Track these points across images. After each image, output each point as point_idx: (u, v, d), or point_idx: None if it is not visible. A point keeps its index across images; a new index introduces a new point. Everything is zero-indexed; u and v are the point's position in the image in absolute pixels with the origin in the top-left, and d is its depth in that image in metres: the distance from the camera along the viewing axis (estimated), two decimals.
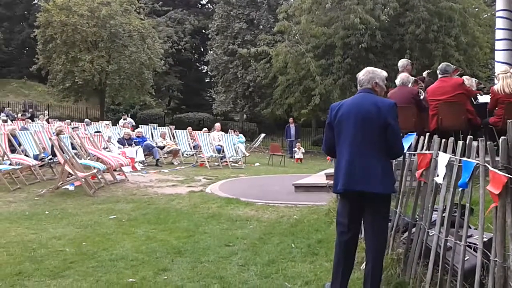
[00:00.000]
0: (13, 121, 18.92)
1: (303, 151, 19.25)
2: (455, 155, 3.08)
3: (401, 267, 3.65)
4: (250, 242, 5.01)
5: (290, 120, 22.68)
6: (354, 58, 22.25)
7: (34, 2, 43.34)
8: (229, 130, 19.86)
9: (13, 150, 10.53)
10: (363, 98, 3.38)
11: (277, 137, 29.78)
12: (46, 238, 5.23)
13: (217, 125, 16.76)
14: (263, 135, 23.54)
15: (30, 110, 27.73)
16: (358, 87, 3.49)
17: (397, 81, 6.76)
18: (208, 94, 41.14)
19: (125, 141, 13.61)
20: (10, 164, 9.46)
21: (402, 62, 7.54)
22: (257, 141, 23.02)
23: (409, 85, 6.78)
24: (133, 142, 13.94)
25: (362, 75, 3.47)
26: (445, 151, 3.28)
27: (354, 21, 20.34)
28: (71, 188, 8.52)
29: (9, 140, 10.68)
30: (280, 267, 4.17)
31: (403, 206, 3.96)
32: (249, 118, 34.93)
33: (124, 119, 22.81)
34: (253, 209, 6.88)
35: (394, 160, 3.64)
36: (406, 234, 3.84)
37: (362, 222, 3.46)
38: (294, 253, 4.58)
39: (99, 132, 13.88)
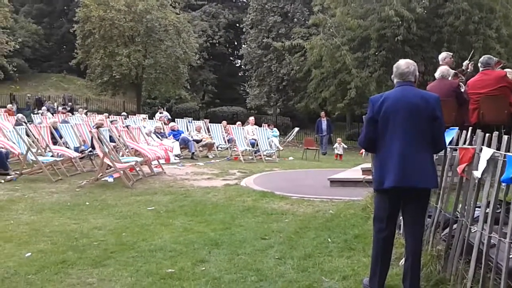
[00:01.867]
0: (54, 114, 19.53)
1: (344, 146, 17.81)
2: (498, 150, 2.99)
3: (441, 263, 3.58)
4: (286, 236, 5.02)
5: (322, 114, 21.48)
6: (390, 50, 21.86)
7: None
8: (262, 124, 19.88)
9: (54, 143, 10.90)
10: (408, 91, 3.29)
11: (311, 131, 29.60)
12: (87, 228, 5.40)
13: (251, 118, 16.80)
14: (296, 129, 23.45)
15: (70, 103, 28.55)
16: (398, 79, 3.38)
17: (437, 74, 6.60)
18: (242, 88, 41.26)
19: (157, 135, 13.81)
20: (52, 156, 9.78)
21: (442, 55, 7.35)
22: (290, 135, 22.96)
23: (449, 78, 6.61)
24: (166, 136, 14.16)
25: (405, 67, 3.35)
26: (488, 145, 3.20)
27: (390, 14, 19.96)
28: (110, 180, 8.73)
29: (51, 133, 11.07)
30: (317, 261, 4.16)
31: (443, 202, 3.89)
32: (283, 112, 34.85)
33: (160, 113, 23.17)
34: (288, 203, 6.88)
35: (435, 155, 3.57)
36: (446, 230, 3.76)
37: (401, 217, 3.43)
38: (331, 248, 4.56)
39: (129, 126, 14.08)
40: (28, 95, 31.96)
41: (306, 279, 3.74)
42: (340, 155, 17.02)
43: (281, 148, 16.83)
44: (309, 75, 25.04)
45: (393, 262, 3.78)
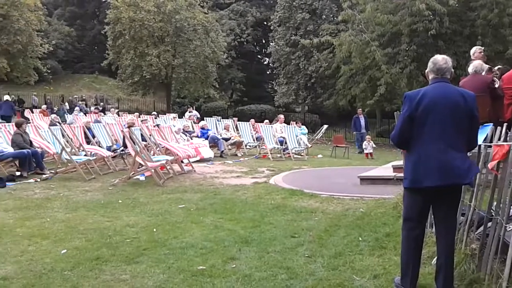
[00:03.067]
0: (86, 114, 20.00)
1: (373, 145, 16.96)
2: None
3: (475, 262, 3.51)
4: (316, 234, 5.01)
5: (359, 111, 20.30)
6: (421, 45, 21.44)
7: (104, 0, 45.35)
8: (291, 122, 19.83)
9: (88, 142, 11.18)
10: (446, 88, 3.22)
11: (339, 128, 29.38)
12: (120, 226, 5.51)
13: (281, 116, 16.79)
14: (325, 126, 23.31)
15: (102, 103, 29.14)
16: (435, 75, 3.28)
17: (470, 69, 6.44)
18: (270, 86, 41.30)
19: (186, 134, 13.96)
20: (85, 155, 10.03)
21: (474, 49, 7.18)
22: (319, 132, 22.83)
23: (483, 73, 6.45)
24: (196, 134, 14.30)
25: (443, 63, 3.26)
26: None
27: (420, 8, 19.57)
28: (142, 178, 8.89)
29: (84, 133, 11.34)
30: (348, 259, 4.13)
31: (477, 200, 3.80)
32: (311, 109, 34.71)
33: (189, 112, 23.43)
34: (317, 201, 6.85)
35: (468, 152, 3.50)
36: (481, 229, 3.68)
37: (432, 215, 3.38)
38: (362, 246, 4.53)
39: (160, 125, 14.27)
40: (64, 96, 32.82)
41: (337, 277, 3.72)
42: (371, 153, 16.47)
43: (310, 146, 16.76)
44: (338, 71, 24.84)
45: (425, 261, 3.73)
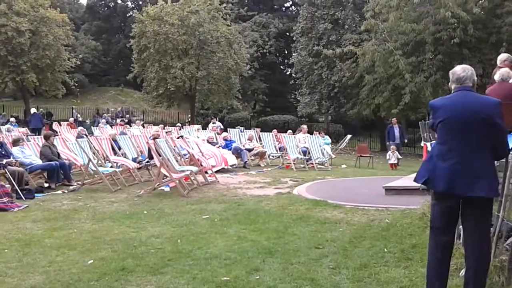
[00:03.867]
0: (112, 127, 20.35)
1: (398, 156, 16.26)
2: None
3: (505, 275, 3.43)
4: (340, 245, 4.97)
5: (393, 120, 19.36)
6: (446, 54, 21.14)
7: (129, 14, 46.37)
8: (314, 132, 19.76)
9: (114, 154, 11.36)
10: (466, 96, 3.24)
11: (363, 138, 29.14)
12: (145, 236, 5.57)
13: (304, 127, 16.76)
14: (349, 136, 23.14)
15: (127, 115, 29.62)
16: (456, 85, 3.33)
17: (497, 77, 6.30)
18: (293, 96, 41.30)
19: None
20: (111, 167, 10.20)
21: (501, 57, 7.03)
22: (343, 142, 22.68)
23: (510, 81, 6.32)
24: (219, 145, 14.38)
25: (462, 72, 3.31)
26: None
27: (445, 16, 19.33)
28: (167, 189, 8.98)
29: (111, 144, 11.54)
30: (373, 271, 4.08)
31: (506, 210, 3.71)
32: (334, 119, 34.53)
33: (213, 123, 23.59)
34: (342, 211, 6.80)
35: (496, 162, 3.43)
36: (510, 239, 3.59)
37: (461, 226, 3.32)
38: (387, 258, 4.47)
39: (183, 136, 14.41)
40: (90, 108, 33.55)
41: None
42: (395, 164, 15.82)
43: (334, 156, 16.66)
44: (361, 81, 24.68)
45: (453, 273, 3.65)
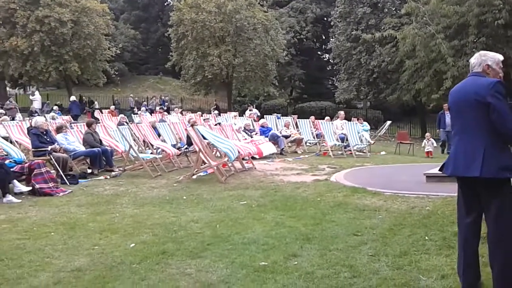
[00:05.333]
0: (152, 114, 20.73)
1: (434, 143, 15.37)
2: None
3: None
4: (380, 233, 4.90)
5: (445, 106, 17.13)
6: (490, 36, 20.30)
7: (167, 3, 46.82)
8: (352, 118, 19.49)
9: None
10: (469, 81, 3.31)
11: (404, 124, 28.52)
12: (185, 221, 5.66)
13: (341, 113, 16.52)
14: (388, 122, 22.70)
15: (166, 103, 30.09)
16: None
17: None
18: (330, 82, 40.80)
19: (247, 132, 14.07)
20: (151, 153, 10.41)
21: None
22: (382, 129, 22.28)
23: None
24: (256, 132, 14.41)
25: (473, 59, 3.38)
26: None
27: None
28: (204, 174, 9.10)
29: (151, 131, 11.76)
30: (413, 259, 4.01)
31: None
32: (373, 105, 33.94)
33: (249, 110, 23.62)
34: (381, 199, 6.69)
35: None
36: None
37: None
38: (428, 246, 4.37)
39: (221, 123, 14.50)
40: (131, 96, 34.23)
41: (402, 277, 3.62)
42: (430, 152, 14.95)
43: (372, 143, 16.39)
44: (401, 66, 24.10)
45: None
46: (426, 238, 4.62)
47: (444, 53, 20.48)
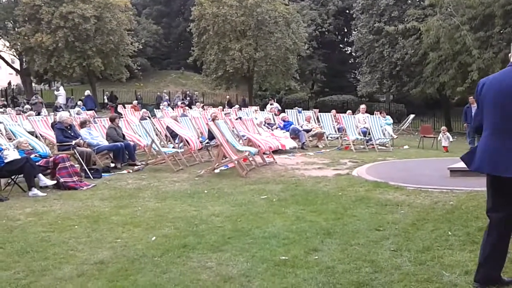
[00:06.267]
0: (174, 109, 20.88)
1: (450, 137, 14.73)
2: None
3: None
4: (402, 228, 4.84)
5: (471, 99, 16.44)
6: None
7: None
8: (374, 112, 19.27)
9: (175, 135, 11.66)
10: (507, 72, 3.09)
11: (427, 117, 28.06)
12: (206, 215, 5.70)
13: (363, 106, 16.36)
14: (412, 116, 22.38)
15: (188, 98, 30.27)
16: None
17: None
18: (352, 76, 40.39)
19: (267, 126, 14.04)
20: (173, 148, 10.49)
21: None
22: (405, 122, 21.99)
23: None
24: (277, 126, 14.37)
25: None
26: None
27: None
28: (226, 169, 9.13)
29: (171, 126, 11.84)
30: (436, 254, 3.95)
31: None
32: (396, 98, 33.48)
33: (270, 104, 23.59)
34: (403, 193, 6.61)
35: None
36: None
37: None
38: (451, 241, 4.31)
39: (242, 117, 14.50)
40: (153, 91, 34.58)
41: (425, 272, 3.57)
42: (445, 147, 14.35)
43: (395, 137, 16.20)
44: (425, 58, 23.68)
45: None
46: (450, 233, 4.55)
47: (469, 45, 20.05)
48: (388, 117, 18.33)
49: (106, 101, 31.04)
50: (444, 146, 14.49)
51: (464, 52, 21.02)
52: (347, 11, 37.95)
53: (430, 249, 4.12)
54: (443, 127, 15.59)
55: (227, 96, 32.07)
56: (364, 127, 14.14)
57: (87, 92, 24.92)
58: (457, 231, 4.60)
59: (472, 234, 4.44)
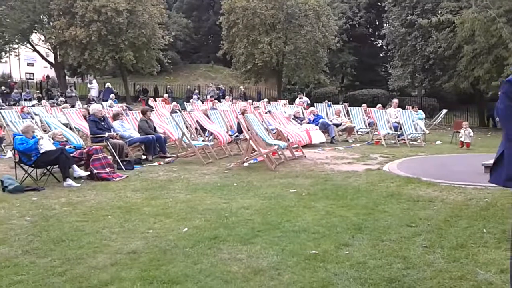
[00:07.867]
0: (203, 102, 21.04)
1: (471, 133, 13.61)
2: None
3: None
4: (435, 224, 4.76)
5: None
6: None
7: None
8: (406, 106, 18.94)
9: (205, 128, 11.75)
10: None
11: (460, 112, 27.43)
12: (236, 208, 5.73)
13: (395, 101, 16.10)
14: (444, 111, 21.88)
15: (217, 91, 30.43)
16: None
17: None
18: (383, 69, 39.76)
19: (296, 120, 13.99)
20: (203, 141, 10.58)
21: None
22: (438, 117, 21.52)
23: None
24: (306, 120, 14.31)
25: None
26: None
27: None
28: (255, 162, 9.16)
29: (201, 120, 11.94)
30: (470, 252, 3.88)
31: None
32: (428, 93, 32.77)
33: (299, 98, 23.50)
34: (436, 189, 6.50)
35: None
36: None
37: None
38: (486, 238, 4.21)
39: (271, 111, 14.49)
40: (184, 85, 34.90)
41: (458, 270, 3.51)
42: (467, 143, 13.36)
43: (428, 132, 15.88)
44: (459, 52, 23.08)
45: None
46: (484, 230, 4.46)
47: (506, 38, 19.41)
48: (420, 111, 17.96)
49: (141, 95, 31.46)
50: (466, 143, 13.47)
51: (500, 46, 20.39)
52: (379, 4, 37.29)
53: (464, 246, 4.04)
54: (465, 122, 14.51)
55: (241, 88, 31.87)
56: (395, 122, 13.92)
57: (108, 85, 25.47)
58: (492, 228, 4.50)
59: (508, 231, 4.33)
